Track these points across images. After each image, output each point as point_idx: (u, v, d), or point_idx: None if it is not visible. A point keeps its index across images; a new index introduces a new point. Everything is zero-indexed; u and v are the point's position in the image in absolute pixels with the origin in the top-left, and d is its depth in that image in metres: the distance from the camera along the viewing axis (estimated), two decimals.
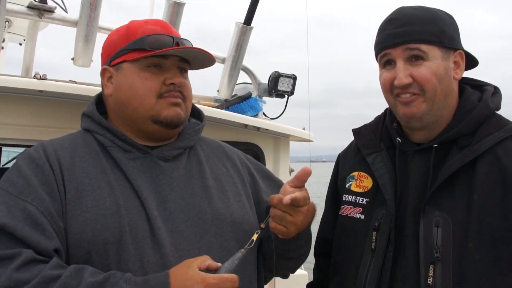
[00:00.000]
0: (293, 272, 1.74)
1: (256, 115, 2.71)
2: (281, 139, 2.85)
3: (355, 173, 1.63)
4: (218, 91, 2.74)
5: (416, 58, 1.44)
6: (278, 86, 2.76)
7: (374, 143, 1.61)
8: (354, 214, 1.57)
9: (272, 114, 2.87)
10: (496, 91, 1.55)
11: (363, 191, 1.58)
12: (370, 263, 1.48)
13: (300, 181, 1.42)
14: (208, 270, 1.28)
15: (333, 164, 1.81)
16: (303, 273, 2.72)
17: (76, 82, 2.13)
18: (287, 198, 1.35)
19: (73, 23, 2.26)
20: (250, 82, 2.87)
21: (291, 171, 2.92)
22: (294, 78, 2.79)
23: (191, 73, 1.63)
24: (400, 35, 1.45)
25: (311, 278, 1.86)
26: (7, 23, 3.33)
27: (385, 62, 1.50)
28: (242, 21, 2.65)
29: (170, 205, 1.44)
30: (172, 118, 1.49)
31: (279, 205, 1.37)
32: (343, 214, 1.61)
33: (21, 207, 1.32)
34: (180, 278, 1.26)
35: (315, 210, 1.50)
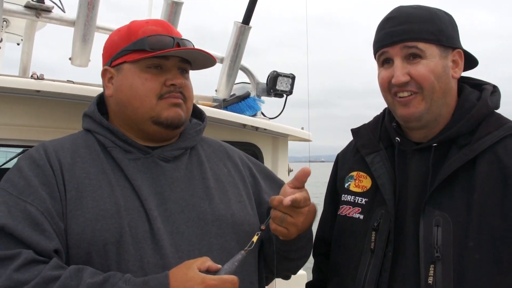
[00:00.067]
0: (294, 273, 1.74)
1: (254, 115, 2.70)
2: (279, 138, 2.84)
3: (354, 173, 1.63)
4: (216, 90, 2.73)
5: (414, 57, 1.44)
6: (277, 85, 2.75)
7: (373, 143, 1.61)
8: (353, 214, 1.57)
9: (270, 113, 2.86)
10: (495, 90, 1.55)
11: (362, 191, 1.58)
12: (369, 263, 1.48)
13: (299, 182, 1.42)
14: (208, 271, 1.28)
15: (332, 164, 1.81)
16: (302, 273, 2.72)
17: (73, 82, 2.12)
18: (287, 200, 1.34)
19: (71, 23, 2.25)
20: (249, 81, 2.86)
21: (289, 171, 2.91)
22: (292, 77, 2.79)
23: (192, 73, 1.62)
24: (397, 34, 1.45)
25: (310, 278, 1.86)
26: (4, 22, 3.32)
27: (383, 61, 1.51)
28: (241, 21, 2.64)
29: (171, 206, 1.44)
30: (173, 119, 1.49)
31: (279, 207, 1.37)
32: (342, 214, 1.61)
33: (22, 208, 1.32)
34: (180, 279, 1.26)
35: (316, 210, 1.49)
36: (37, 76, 1.97)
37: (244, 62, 2.75)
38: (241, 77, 2.82)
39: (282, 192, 1.43)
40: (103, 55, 1.60)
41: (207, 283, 1.24)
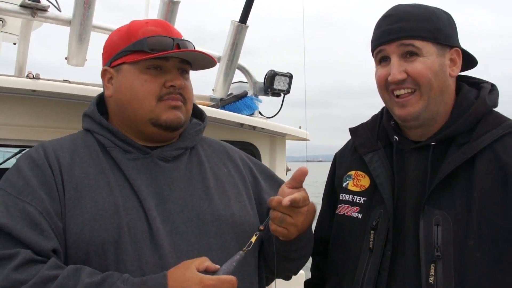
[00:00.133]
0: (295, 273, 1.73)
1: (252, 114, 2.70)
2: (277, 138, 2.84)
3: (352, 172, 1.62)
4: (213, 90, 2.72)
5: (411, 54, 1.44)
6: (274, 84, 2.74)
7: (371, 142, 1.60)
8: (351, 213, 1.57)
9: (268, 113, 2.86)
10: (493, 88, 1.55)
11: (360, 190, 1.58)
12: (368, 263, 1.47)
13: (297, 182, 1.41)
14: (206, 271, 1.28)
15: (329, 163, 1.81)
16: (300, 273, 2.71)
17: (69, 82, 2.11)
18: (286, 200, 1.34)
19: (67, 22, 2.23)
20: (246, 81, 2.85)
21: (287, 170, 2.91)
22: (290, 76, 2.78)
23: (192, 73, 1.61)
24: (394, 31, 1.45)
25: (309, 277, 1.85)
26: (0, 22, 3.30)
27: (381, 59, 1.51)
28: (238, 20, 2.63)
29: (170, 206, 1.43)
30: (172, 121, 1.48)
31: (278, 207, 1.36)
32: (340, 213, 1.61)
33: (20, 208, 1.32)
34: (178, 279, 1.25)
35: (315, 210, 1.49)
36: (33, 76, 1.96)
37: (242, 62, 2.74)
38: (238, 76, 2.81)
39: (280, 193, 1.42)
40: (103, 55, 1.60)
41: (205, 283, 1.24)
